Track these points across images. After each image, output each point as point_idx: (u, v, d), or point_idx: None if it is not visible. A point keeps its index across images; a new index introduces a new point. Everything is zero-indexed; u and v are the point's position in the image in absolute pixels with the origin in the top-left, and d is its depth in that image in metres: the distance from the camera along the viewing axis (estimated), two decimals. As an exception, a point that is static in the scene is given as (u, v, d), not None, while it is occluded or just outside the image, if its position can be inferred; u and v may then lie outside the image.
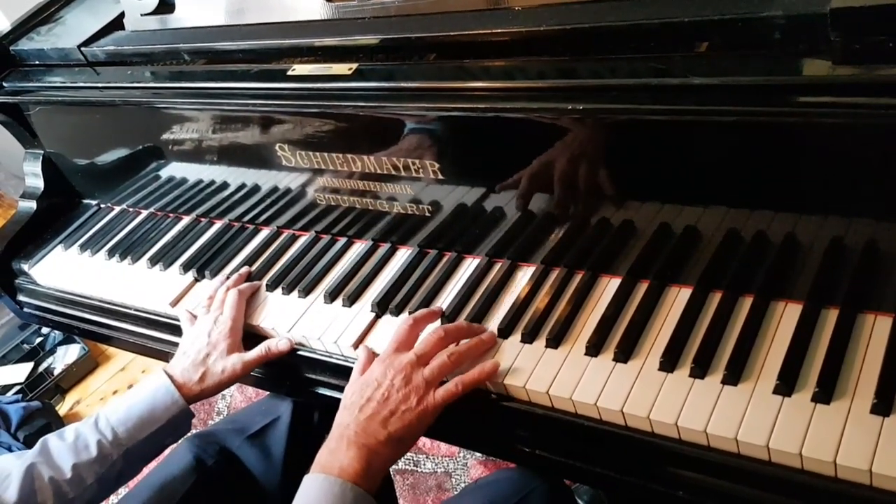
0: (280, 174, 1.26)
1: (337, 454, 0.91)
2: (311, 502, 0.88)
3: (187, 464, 1.21)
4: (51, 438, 1.05)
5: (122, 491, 1.20)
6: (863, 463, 0.74)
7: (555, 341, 0.98)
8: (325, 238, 1.30)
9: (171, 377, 1.10)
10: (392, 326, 1.09)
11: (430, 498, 1.91)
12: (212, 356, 1.12)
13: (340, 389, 1.11)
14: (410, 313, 1.09)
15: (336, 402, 1.10)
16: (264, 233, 1.37)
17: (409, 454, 1.99)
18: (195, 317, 1.22)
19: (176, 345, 1.21)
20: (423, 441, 1.99)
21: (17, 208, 1.66)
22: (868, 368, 0.82)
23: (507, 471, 1.13)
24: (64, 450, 1.03)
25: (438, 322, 1.07)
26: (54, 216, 1.63)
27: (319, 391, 1.14)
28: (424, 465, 1.98)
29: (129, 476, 1.09)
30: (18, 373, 2.59)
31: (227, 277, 1.29)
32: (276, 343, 1.14)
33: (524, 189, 1.03)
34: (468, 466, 1.93)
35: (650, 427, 0.86)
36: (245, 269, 1.30)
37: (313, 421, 1.33)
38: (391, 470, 1.87)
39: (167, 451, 1.19)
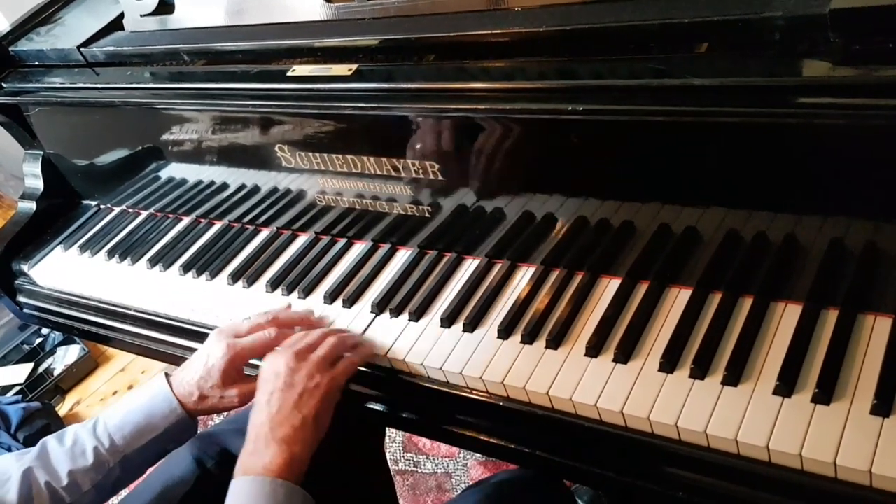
0: (280, 175, 1.26)
1: (258, 455, 0.91)
2: None
3: (188, 465, 1.21)
4: (50, 441, 1.04)
5: (123, 492, 1.20)
6: (863, 464, 0.74)
7: (555, 342, 0.98)
8: (325, 239, 1.30)
9: (172, 386, 1.06)
10: (391, 328, 1.09)
11: (430, 498, 1.91)
12: (207, 383, 1.05)
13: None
14: (410, 314, 1.09)
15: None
16: (264, 233, 1.37)
17: (409, 455, 1.99)
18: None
19: (176, 345, 1.21)
20: (424, 442, 1.99)
21: (16, 209, 1.66)
22: (868, 369, 0.82)
23: (507, 472, 1.13)
24: (61, 455, 1.02)
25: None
26: (54, 217, 1.63)
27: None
28: (424, 465, 1.98)
29: (128, 481, 1.08)
30: (18, 373, 2.59)
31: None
32: None
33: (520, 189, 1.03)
34: (468, 467, 1.93)
35: (650, 428, 0.86)
36: (310, 313, 1.16)
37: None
38: (391, 470, 1.87)
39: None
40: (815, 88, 0.77)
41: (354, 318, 1.13)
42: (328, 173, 1.19)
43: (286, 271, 1.26)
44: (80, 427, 1.05)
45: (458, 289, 1.11)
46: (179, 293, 1.32)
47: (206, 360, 1.05)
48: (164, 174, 1.44)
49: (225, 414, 2.27)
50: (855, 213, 0.83)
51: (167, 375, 1.08)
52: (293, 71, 1.13)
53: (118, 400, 2.32)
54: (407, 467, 1.98)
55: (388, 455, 1.96)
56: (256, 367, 1.06)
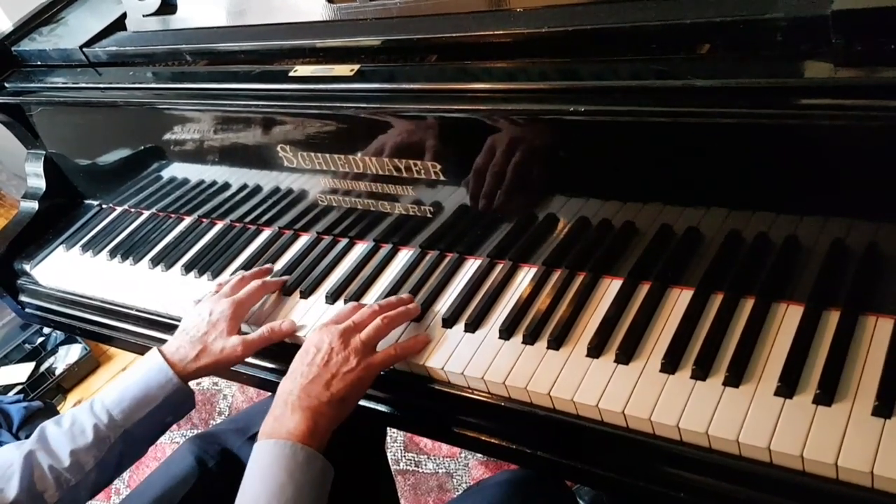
0: (282, 175, 1.26)
1: (283, 420, 0.93)
2: (265, 467, 0.89)
3: (188, 465, 1.21)
4: (48, 425, 1.04)
5: (124, 492, 1.21)
6: (864, 465, 0.74)
7: (556, 343, 0.98)
8: (327, 239, 1.30)
9: (165, 356, 1.08)
10: (393, 327, 1.09)
11: (431, 498, 1.91)
12: (211, 335, 1.10)
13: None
14: (412, 314, 1.10)
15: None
16: (266, 233, 1.37)
17: (410, 454, 1.99)
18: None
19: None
20: (425, 441, 1.99)
21: (18, 209, 1.66)
22: (869, 370, 0.82)
23: (508, 472, 1.13)
24: (61, 436, 1.02)
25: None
26: (56, 217, 1.63)
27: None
28: (426, 465, 1.98)
29: (131, 459, 1.08)
30: (20, 373, 2.59)
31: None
32: (280, 324, 1.14)
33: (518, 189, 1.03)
34: (469, 467, 1.93)
35: (651, 429, 0.86)
36: (268, 265, 1.29)
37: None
38: (393, 470, 1.87)
39: (168, 452, 1.18)
40: (817, 90, 0.77)
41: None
42: (330, 173, 1.19)
43: (288, 271, 1.27)
44: (77, 409, 1.06)
45: (460, 289, 1.11)
46: (181, 293, 1.32)
47: (208, 317, 1.12)
48: (166, 174, 1.44)
49: (226, 414, 2.27)
50: (856, 213, 0.83)
51: (159, 350, 1.10)
52: (295, 71, 1.13)
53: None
54: (408, 467, 1.98)
55: (389, 455, 1.96)
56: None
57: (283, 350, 1.15)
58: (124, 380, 1.07)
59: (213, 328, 1.11)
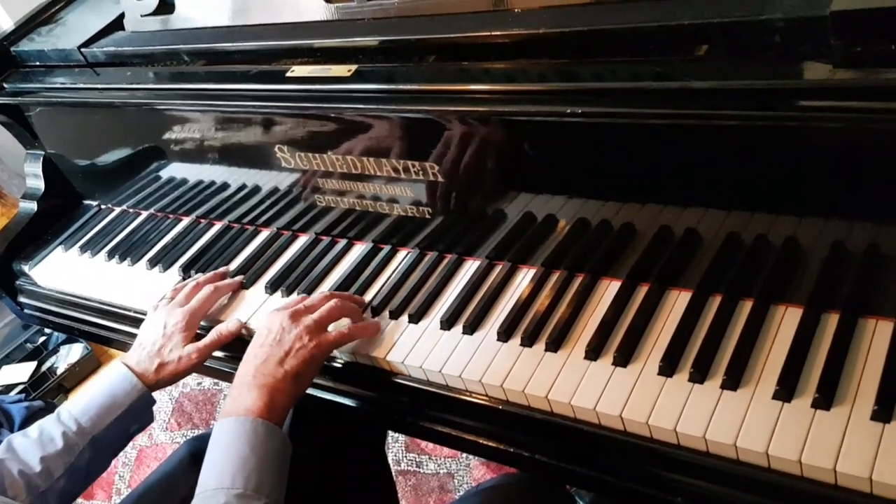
0: (280, 175, 1.26)
1: (240, 399, 0.96)
2: (227, 442, 0.92)
3: (187, 464, 1.21)
4: (14, 438, 1.06)
5: (125, 491, 1.21)
6: (863, 471, 0.73)
7: (554, 345, 0.97)
8: (326, 240, 1.30)
9: (128, 367, 1.11)
10: (391, 329, 1.09)
11: (432, 499, 1.90)
12: (167, 347, 1.14)
13: (335, 391, 1.12)
14: (410, 316, 1.09)
15: (332, 404, 1.11)
16: (264, 234, 1.37)
17: (411, 455, 1.99)
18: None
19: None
20: (426, 442, 1.99)
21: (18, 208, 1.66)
22: (868, 374, 0.81)
23: (508, 475, 1.13)
24: (29, 445, 1.04)
25: None
26: (55, 217, 1.63)
27: (311, 393, 1.13)
28: (427, 465, 1.97)
29: (99, 468, 1.10)
30: (21, 372, 2.59)
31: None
32: (226, 325, 1.18)
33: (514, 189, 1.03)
34: (470, 467, 1.93)
35: (649, 432, 0.86)
36: (223, 268, 1.32)
37: (312, 421, 1.33)
38: (393, 471, 1.87)
39: (168, 453, 1.18)
40: (816, 91, 0.77)
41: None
42: (328, 174, 1.18)
43: (286, 272, 1.26)
44: (43, 420, 1.07)
45: (459, 290, 1.11)
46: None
47: (163, 330, 1.15)
48: (165, 174, 1.44)
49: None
50: (855, 216, 0.82)
51: (122, 362, 1.13)
52: (293, 71, 1.13)
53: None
54: (409, 467, 1.98)
55: (390, 455, 1.96)
56: (206, 329, 1.18)
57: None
58: (89, 390, 1.10)
59: (168, 340, 1.14)
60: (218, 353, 1.21)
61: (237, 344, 1.17)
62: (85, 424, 1.06)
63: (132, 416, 1.10)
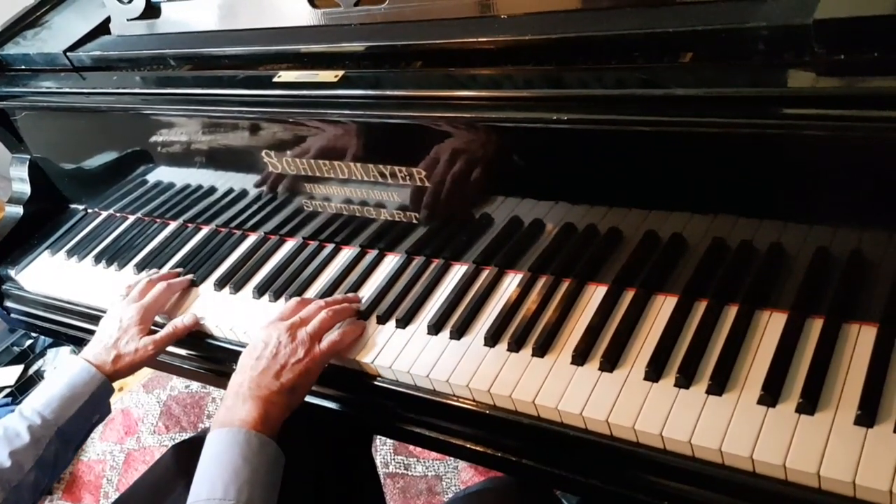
0: (267, 180, 1.25)
1: (234, 409, 0.97)
2: (220, 453, 0.93)
3: (175, 468, 1.21)
4: None
5: (113, 495, 1.20)
6: (846, 475, 0.74)
7: (541, 350, 0.98)
8: (313, 244, 1.30)
9: (85, 360, 1.15)
10: (378, 335, 1.09)
11: (420, 501, 1.90)
12: (123, 339, 1.19)
13: (322, 396, 1.12)
14: (397, 321, 1.09)
15: (319, 408, 1.11)
16: (251, 239, 1.37)
17: (399, 457, 1.99)
18: None
19: (164, 351, 1.21)
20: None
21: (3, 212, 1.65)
22: (852, 379, 0.82)
23: (495, 479, 1.13)
24: None
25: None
26: (41, 221, 1.63)
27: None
28: (415, 468, 1.97)
29: (63, 461, 1.11)
30: (8, 376, 2.58)
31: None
32: (182, 319, 1.24)
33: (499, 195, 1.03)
34: (459, 470, 1.93)
35: (635, 437, 0.87)
36: (177, 269, 1.37)
37: (304, 422, 1.33)
38: (381, 473, 1.87)
39: (156, 456, 1.18)
40: (800, 99, 0.77)
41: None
42: (315, 179, 1.18)
43: (273, 277, 1.26)
44: (4, 419, 1.09)
45: (446, 295, 1.11)
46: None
47: (119, 324, 1.21)
48: (151, 178, 1.43)
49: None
50: (840, 222, 0.83)
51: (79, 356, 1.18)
52: (280, 77, 1.13)
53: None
54: (398, 470, 1.98)
55: (378, 458, 1.96)
56: (160, 325, 1.25)
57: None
58: (48, 385, 1.13)
59: (124, 333, 1.20)
60: (181, 351, 1.27)
61: (200, 342, 1.24)
62: (49, 417, 1.08)
63: (93, 405, 1.13)
